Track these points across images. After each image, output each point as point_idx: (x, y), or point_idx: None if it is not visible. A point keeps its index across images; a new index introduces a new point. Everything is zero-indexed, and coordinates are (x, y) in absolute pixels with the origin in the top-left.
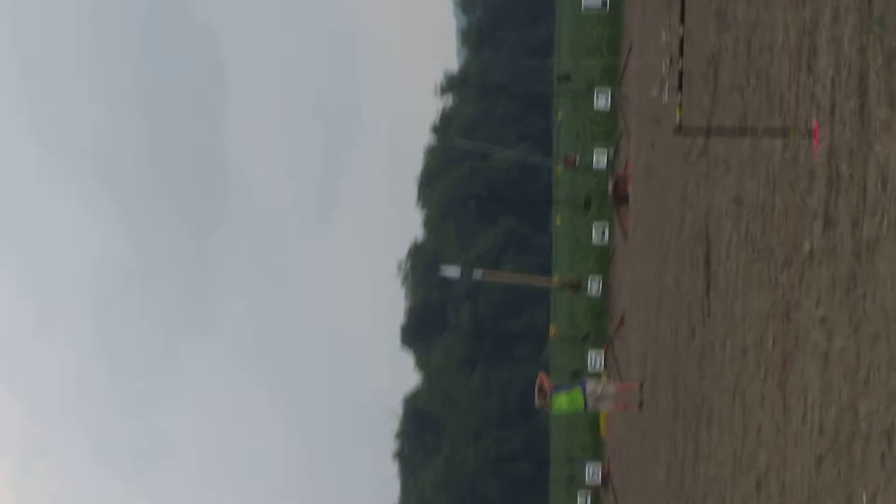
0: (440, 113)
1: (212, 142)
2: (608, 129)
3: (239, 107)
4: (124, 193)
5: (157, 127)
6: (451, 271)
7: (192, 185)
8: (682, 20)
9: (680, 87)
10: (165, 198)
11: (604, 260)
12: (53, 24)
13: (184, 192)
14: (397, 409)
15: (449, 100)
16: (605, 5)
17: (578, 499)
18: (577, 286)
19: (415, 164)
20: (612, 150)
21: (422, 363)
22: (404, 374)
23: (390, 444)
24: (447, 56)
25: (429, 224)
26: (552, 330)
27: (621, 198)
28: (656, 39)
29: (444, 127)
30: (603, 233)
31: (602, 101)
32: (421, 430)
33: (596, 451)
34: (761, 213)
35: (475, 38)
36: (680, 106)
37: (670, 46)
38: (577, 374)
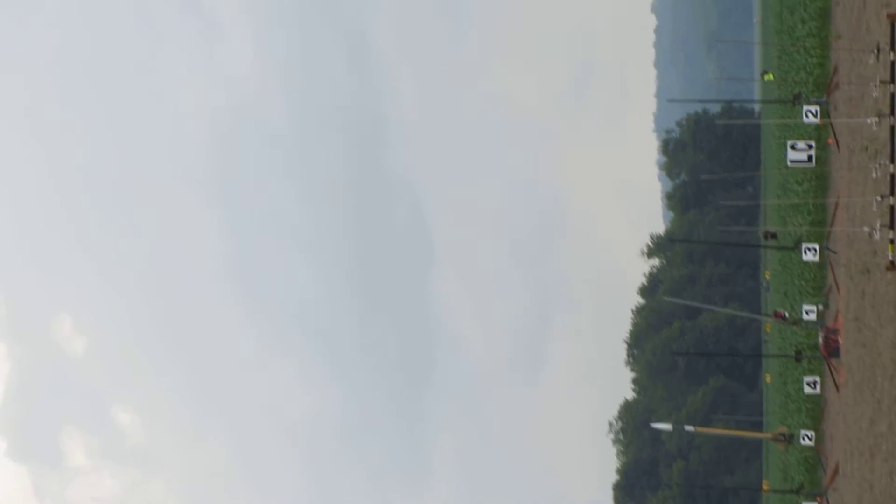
0: (648, 275)
1: (421, 297)
2: (816, 283)
3: (446, 263)
4: (335, 351)
5: (366, 284)
6: (663, 426)
7: (402, 340)
8: (892, 159)
9: (892, 224)
10: (376, 353)
11: (815, 412)
12: (259, 189)
13: (394, 347)
14: None
15: (656, 262)
16: (811, 160)
17: None
18: (789, 439)
19: (623, 326)
20: (821, 304)
21: None
22: None
23: None
24: (653, 219)
25: (639, 383)
26: (765, 484)
27: (832, 350)
28: (865, 183)
29: (651, 288)
30: (814, 385)
31: (810, 255)
32: None
33: None
34: None
35: (680, 200)
36: (892, 242)
37: (880, 185)
38: None
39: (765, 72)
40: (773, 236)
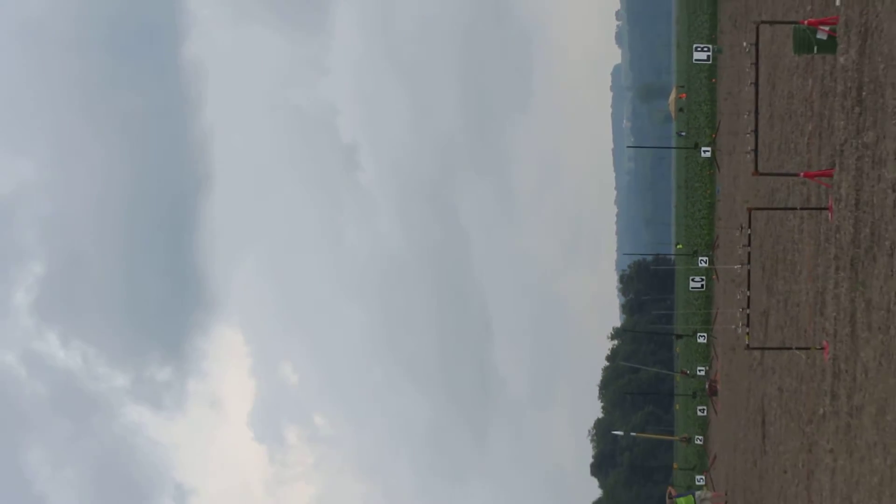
0: (611, 349)
1: None
2: (705, 355)
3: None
4: None
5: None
6: (617, 431)
7: None
8: (748, 287)
9: (748, 324)
10: None
11: (703, 426)
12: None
13: None
14: None
15: (616, 342)
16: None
17: None
18: (689, 440)
19: (595, 378)
20: (707, 367)
21: None
22: None
23: None
24: (614, 317)
25: (604, 399)
26: (675, 465)
27: (713, 392)
28: (733, 301)
29: (613, 356)
30: (703, 411)
31: (702, 339)
32: None
33: None
34: (794, 395)
35: (630, 309)
36: (748, 334)
37: (742, 302)
38: (690, 487)
39: (678, 244)
40: (680, 337)
